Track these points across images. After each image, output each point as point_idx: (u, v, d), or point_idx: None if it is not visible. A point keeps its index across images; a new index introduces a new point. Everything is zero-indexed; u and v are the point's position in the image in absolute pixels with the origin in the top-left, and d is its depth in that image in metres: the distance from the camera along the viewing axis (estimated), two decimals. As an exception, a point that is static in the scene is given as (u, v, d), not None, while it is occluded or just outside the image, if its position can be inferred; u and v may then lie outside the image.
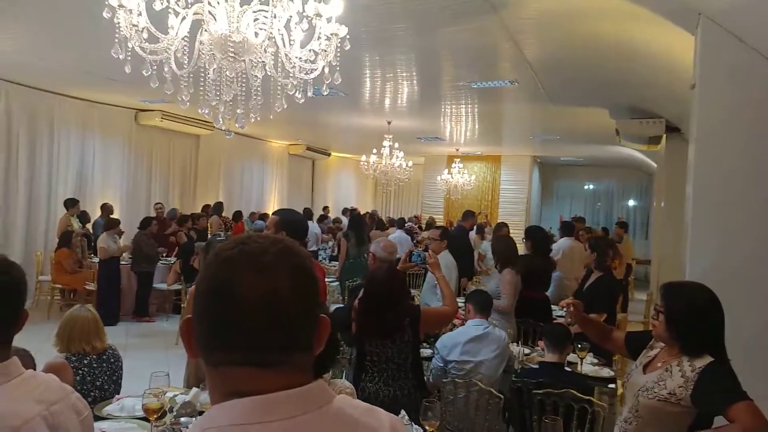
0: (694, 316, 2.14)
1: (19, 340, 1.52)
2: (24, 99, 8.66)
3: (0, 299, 1.40)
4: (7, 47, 6.35)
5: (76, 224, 8.65)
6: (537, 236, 5.79)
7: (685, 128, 6.61)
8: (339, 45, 2.74)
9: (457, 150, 14.13)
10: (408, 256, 3.58)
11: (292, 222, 3.21)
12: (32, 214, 8.92)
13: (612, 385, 3.69)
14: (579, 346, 3.71)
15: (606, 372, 3.88)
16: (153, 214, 9.82)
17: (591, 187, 17.70)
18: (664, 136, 7.56)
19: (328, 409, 0.83)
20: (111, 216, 8.69)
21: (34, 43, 6.24)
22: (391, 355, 3.09)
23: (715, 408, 2.02)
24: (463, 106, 8.87)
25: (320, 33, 2.68)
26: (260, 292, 0.80)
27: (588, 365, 3.91)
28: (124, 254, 8.13)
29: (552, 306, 5.32)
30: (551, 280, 5.74)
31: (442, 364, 3.67)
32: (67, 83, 8.53)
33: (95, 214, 9.41)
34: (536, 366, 3.72)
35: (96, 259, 7.98)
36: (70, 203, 8.69)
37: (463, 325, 3.97)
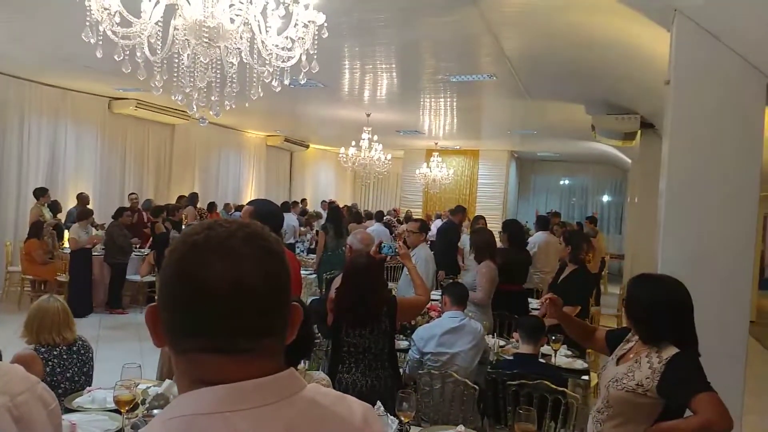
0: (650, 307, 2.17)
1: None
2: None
3: None
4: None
5: (47, 214, 8.47)
6: (513, 229, 5.85)
7: (660, 124, 6.70)
8: (317, 33, 2.71)
9: (436, 144, 14.16)
10: (378, 248, 3.58)
11: (266, 213, 3.16)
12: (1, 202, 8.70)
13: (585, 377, 3.74)
14: (553, 337, 3.76)
15: (579, 364, 3.93)
16: (127, 204, 9.66)
17: (566, 182, 17.89)
18: (639, 131, 7.66)
19: (299, 398, 0.82)
20: (86, 206, 8.52)
21: (5, 29, 6.06)
22: (368, 345, 3.09)
23: (679, 399, 2.04)
24: (443, 99, 8.87)
25: (297, 20, 2.64)
26: (228, 276, 0.78)
27: (561, 357, 3.96)
28: (96, 246, 7.98)
29: (528, 299, 5.37)
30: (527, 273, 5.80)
31: (418, 356, 3.68)
32: (38, 70, 8.31)
33: (67, 203, 9.21)
34: (511, 357, 3.75)
35: (68, 250, 7.83)
36: (40, 192, 8.50)
37: (440, 317, 3.98)
